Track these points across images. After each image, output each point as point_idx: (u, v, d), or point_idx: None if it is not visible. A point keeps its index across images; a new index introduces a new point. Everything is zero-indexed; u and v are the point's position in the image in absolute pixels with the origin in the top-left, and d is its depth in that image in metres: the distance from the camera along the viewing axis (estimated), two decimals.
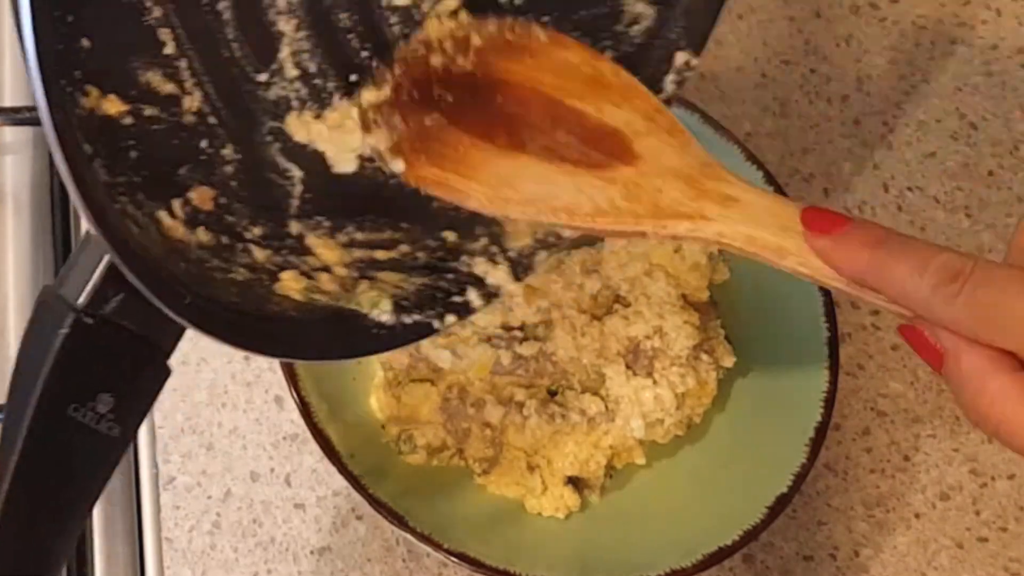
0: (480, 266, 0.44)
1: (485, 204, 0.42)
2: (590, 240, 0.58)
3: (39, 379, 0.36)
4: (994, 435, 0.36)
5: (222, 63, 0.39)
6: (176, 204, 0.38)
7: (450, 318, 0.43)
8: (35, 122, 0.63)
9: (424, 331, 0.42)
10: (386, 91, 0.43)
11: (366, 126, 0.42)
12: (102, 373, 0.37)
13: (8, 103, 0.64)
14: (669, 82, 0.46)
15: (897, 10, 0.73)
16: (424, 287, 0.43)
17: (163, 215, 0.37)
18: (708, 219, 0.40)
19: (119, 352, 0.37)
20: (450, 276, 0.43)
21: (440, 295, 0.43)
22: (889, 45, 0.72)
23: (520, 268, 0.44)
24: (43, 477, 0.37)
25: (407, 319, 0.42)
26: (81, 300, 0.36)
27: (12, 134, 0.64)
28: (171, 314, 0.35)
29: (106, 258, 0.36)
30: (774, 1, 0.73)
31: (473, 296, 0.43)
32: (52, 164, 0.64)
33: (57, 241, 0.63)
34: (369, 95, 0.43)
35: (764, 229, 0.39)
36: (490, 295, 0.44)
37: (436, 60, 0.43)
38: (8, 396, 0.37)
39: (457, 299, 0.43)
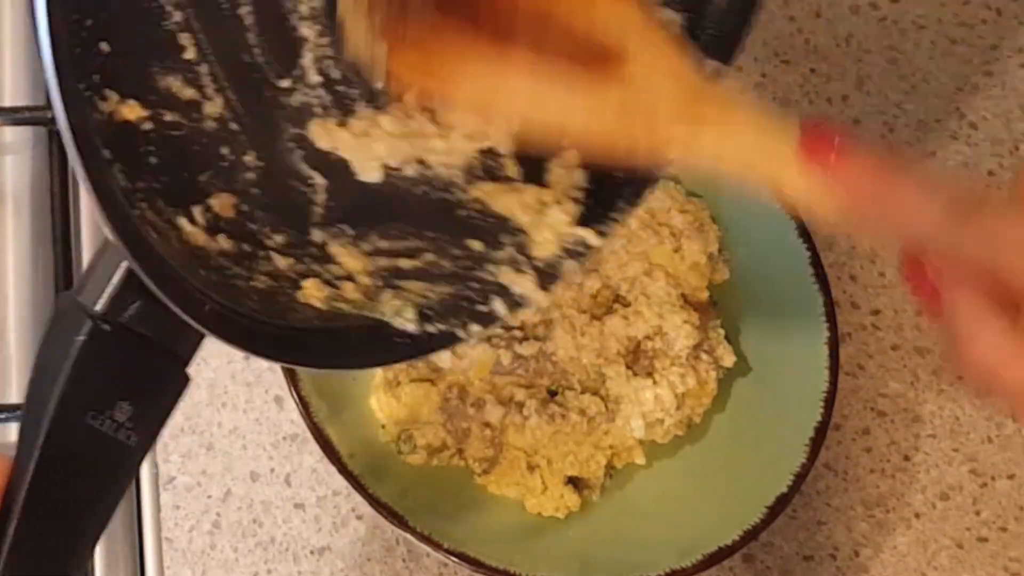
0: (506, 275, 0.43)
1: (469, 106, 0.40)
2: None
3: (57, 386, 0.36)
4: (984, 380, 0.35)
5: (244, 68, 0.39)
6: (197, 211, 0.37)
7: (474, 327, 0.42)
8: (35, 122, 0.63)
9: (448, 341, 0.42)
10: None
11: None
12: (120, 381, 0.37)
13: (8, 103, 0.64)
14: None
15: (897, 10, 0.73)
16: (449, 296, 0.42)
17: (183, 222, 0.37)
18: (702, 144, 0.39)
19: (137, 360, 0.37)
20: (475, 285, 0.43)
21: (465, 304, 0.42)
22: (889, 45, 0.72)
23: (546, 277, 0.43)
24: (61, 484, 0.37)
25: (431, 328, 0.42)
26: (99, 307, 0.36)
27: (12, 134, 0.63)
28: (189, 320, 0.35)
29: (124, 264, 0.35)
30: (774, 1, 0.72)
31: (498, 305, 0.43)
32: (52, 164, 0.64)
33: (57, 241, 0.63)
34: None
35: (761, 154, 0.38)
36: (516, 304, 0.43)
37: None
38: (26, 402, 0.37)
39: (482, 308, 0.43)
